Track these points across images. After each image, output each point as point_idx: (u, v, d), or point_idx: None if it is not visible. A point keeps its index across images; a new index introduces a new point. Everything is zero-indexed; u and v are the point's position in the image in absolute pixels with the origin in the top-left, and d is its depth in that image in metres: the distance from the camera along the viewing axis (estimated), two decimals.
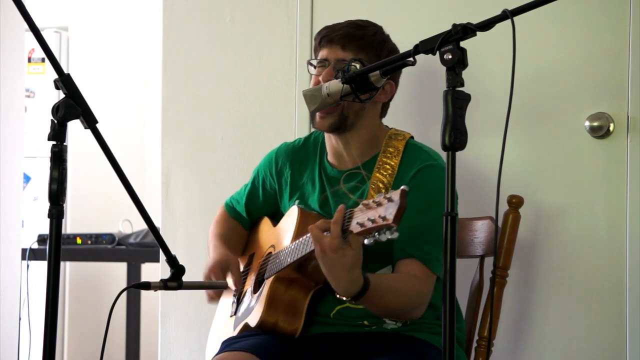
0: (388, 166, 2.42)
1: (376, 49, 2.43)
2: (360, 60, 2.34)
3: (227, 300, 2.63)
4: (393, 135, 2.47)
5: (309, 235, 2.20)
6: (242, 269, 2.62)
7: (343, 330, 2.38)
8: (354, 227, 2.00)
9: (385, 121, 2.55)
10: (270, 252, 2.49)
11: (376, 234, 1.94)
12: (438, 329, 2.33)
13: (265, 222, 2.65)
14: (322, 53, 2.46)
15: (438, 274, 2.31)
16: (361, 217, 1.98)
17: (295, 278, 2.34)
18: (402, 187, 1.92)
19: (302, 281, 2.35)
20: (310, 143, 2.60)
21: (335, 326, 2.39)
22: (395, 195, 1.91)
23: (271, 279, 2.36)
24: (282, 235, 2.46)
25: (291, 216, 2.44)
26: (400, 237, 2.30)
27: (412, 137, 2.49)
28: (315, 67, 2.47)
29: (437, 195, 2.28)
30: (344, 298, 2.15)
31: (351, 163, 2.48)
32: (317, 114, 2.40)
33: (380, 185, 2.40)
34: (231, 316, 2.55)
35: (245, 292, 2.53)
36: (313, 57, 2.53)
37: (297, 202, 2.52)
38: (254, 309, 2.40)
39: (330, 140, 2.50)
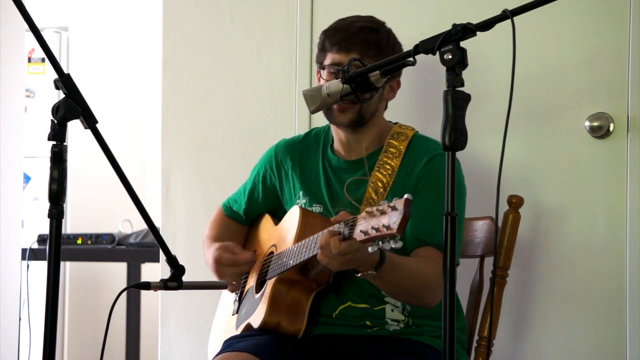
0: (388, 166, 2.42)
1: (391, 53, 2.41)
2: (360, 60, 2.34)
3: (228, 298, 2.63)
4: (396, 134, 2.48)
5: (311, 238, 2.20)
6: None
7: (345, 332, 2.39)
8: (358, 235, 1.98)
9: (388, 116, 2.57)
10: (272, 252, 2.48)
11: (380, 242, 1.93)
12: (440, 332, 2.32)
13: (267, 220, 2.64)
14: (336, 57, 2.42)
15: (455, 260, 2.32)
16: (364, 225, 1.96)
17: (298, 279, 2.34)
18: (405, 196, 1.89)
19: (305, 282, 2.35)
20: (311, 137, 2.61)
21: (337, 326, 2.39)
22: (400, 204, 1.89)
23: (273, 280, 2.36)
24: (284, 235, 2.46)
25: (293, 216, 2.44)
26: (414, 226, 2.31)
27: (417, 132, 2.50)
28: (324, 70, 2.44)
29: None
30: (367, 272, 2.13)
31: (357, 155, 2.49)
32: (336, 108, 2.40)
33: (379, 184, 2.41)
34: (233, 314, 2.55)
35: (247, 290, 2.53)
36: (321, 59, 2.47)
37: (301, 193, 2.52)
38: (256, 310, 2.40)
39: (338, 134, 2.50)
